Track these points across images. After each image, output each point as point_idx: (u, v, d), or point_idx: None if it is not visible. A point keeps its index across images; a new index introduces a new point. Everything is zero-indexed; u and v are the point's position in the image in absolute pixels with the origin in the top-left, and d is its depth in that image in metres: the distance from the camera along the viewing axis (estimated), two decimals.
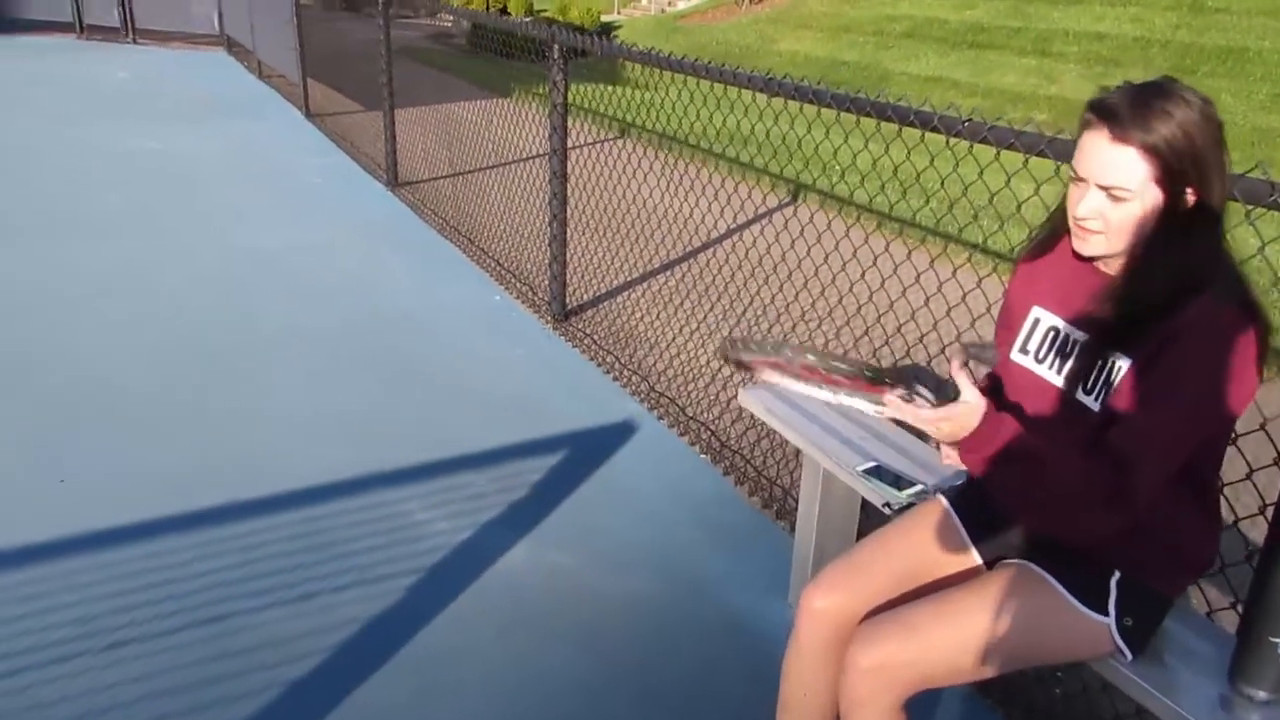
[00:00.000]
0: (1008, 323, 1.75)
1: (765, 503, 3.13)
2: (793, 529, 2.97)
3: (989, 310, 2.34)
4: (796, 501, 3.04)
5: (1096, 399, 1.53)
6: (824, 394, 1.53)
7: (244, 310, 4.47)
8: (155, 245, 5.30)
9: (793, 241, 3.74)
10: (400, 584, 2.64)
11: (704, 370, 4.06)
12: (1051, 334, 1.64)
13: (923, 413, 1.48)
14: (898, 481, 2.12)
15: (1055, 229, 1.66)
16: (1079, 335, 1.59)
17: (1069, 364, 1.59)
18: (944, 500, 1.82)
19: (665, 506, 3.09)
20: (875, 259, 3.40)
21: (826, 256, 3.57)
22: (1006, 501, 1.64)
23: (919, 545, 1.74)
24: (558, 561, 2.78)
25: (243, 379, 3.80)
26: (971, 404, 1.49)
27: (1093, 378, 1.54)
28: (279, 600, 2.55)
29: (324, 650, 2.37)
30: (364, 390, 3.75)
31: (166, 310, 4.42)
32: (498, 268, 5.21)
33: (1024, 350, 1.68)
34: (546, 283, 4.64)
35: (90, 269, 4.89)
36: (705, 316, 4.57)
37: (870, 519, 2.62)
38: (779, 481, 3.21)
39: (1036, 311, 1.67)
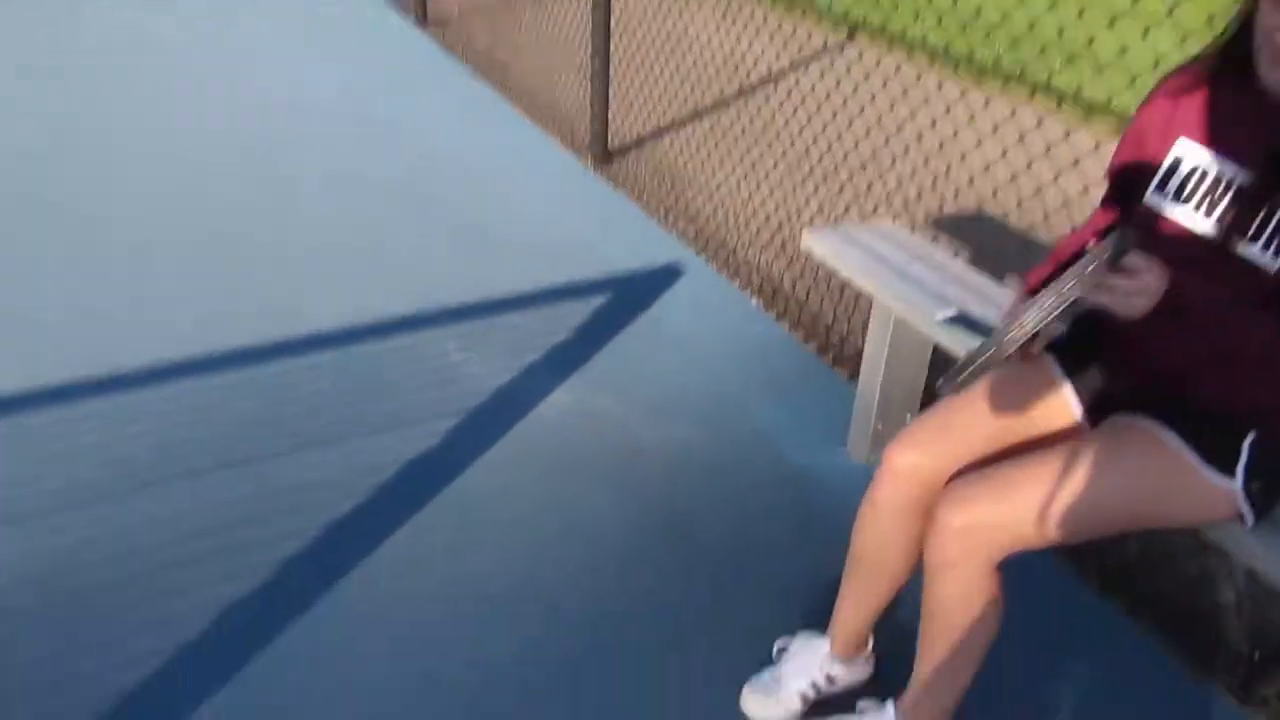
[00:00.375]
0: (1135, 160, 1.51)
1: (821, 348, 2.95)
2: (851, 375, 2.81)
3: (1078, 163, 2.08)
4: (855, 347, 2.86)
5: (1270, 252, 1.31)
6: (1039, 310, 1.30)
7: (271, 153, 4.26)
8: (179, 89, 5.05)
9: (856, 86, 3.42)
10: (438, 427, 2.52)
11: (756, 213, 3.82)
12: (1200, 174, 1.40)
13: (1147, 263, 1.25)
14: (984, 332, 1.92)
15: (1211, 58, 1.41)
16: (1242, 177, 1.35)
17: (1222, 208, 1.36)
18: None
19: (715, 352, 2.92)
20: (949, 107, 3.09)
21: (893, 105, 3.27)
22: (1174, 370, 1.43)
23: (1014, 401, 1.55)
24: (601, 406, 2.64)
25: (273, 222, 3.62)
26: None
27: (1258, 225, 1.32)
28: (313, 441, 2.44)
29: (360, 493, 2.27)
30: (399, 232, 3.57)
31: (193, 153, 4.22)
32: (535, 107, 4.92)
33: (1162, 191, 1.44)
34: (587, 122, 4.36)
35: (117, 111, 4.67)
36: (761, 156, 4.29)
37: (938, 371, 2.44)
38: (836, 327, 3.02)
39: (1182, 146, 1.43)
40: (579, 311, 3.10)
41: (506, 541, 2.16)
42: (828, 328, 3.01)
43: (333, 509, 2.22)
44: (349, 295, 3.09)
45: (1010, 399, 1.55)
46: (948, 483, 1.51)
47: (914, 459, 1.53)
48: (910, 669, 1.61)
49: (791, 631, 1.88)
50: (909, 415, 2.38)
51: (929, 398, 2.46)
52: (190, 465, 2.33)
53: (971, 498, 1.40)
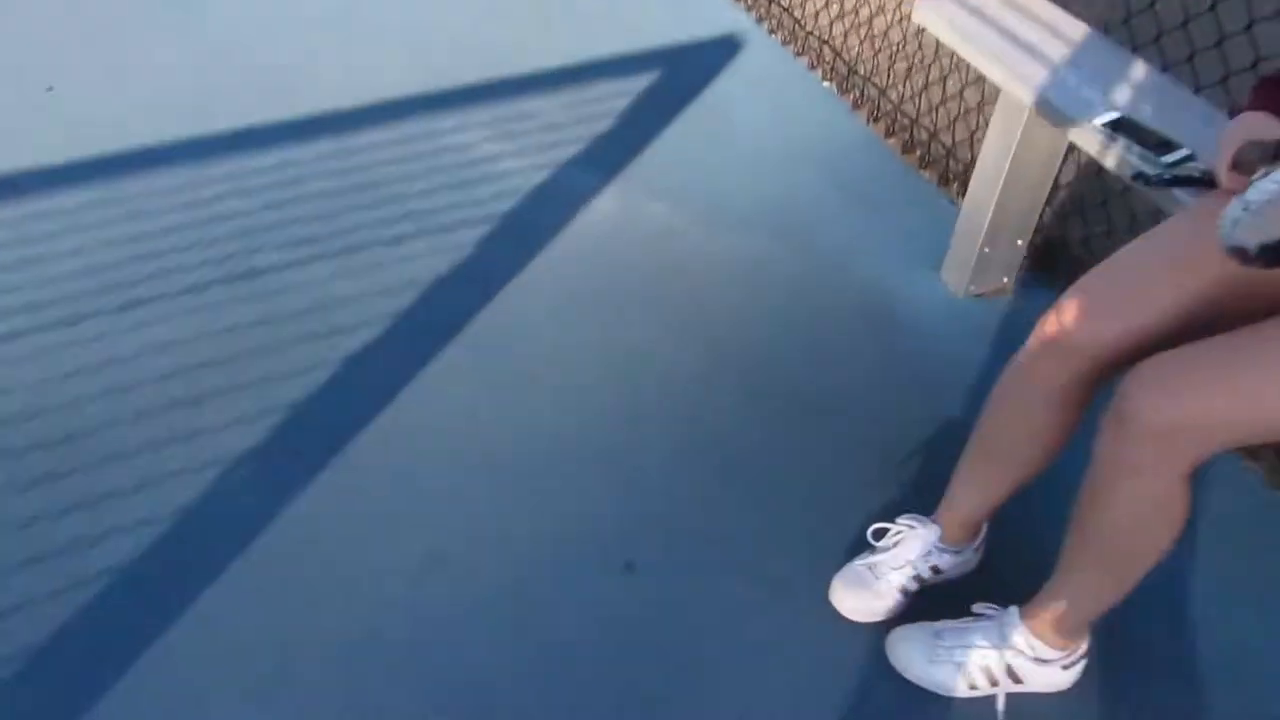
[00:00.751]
0: None
1: (905, 146, 2.54)
2: (941, 180, 2.43)
3: None
4: (946, 147, 2.46)
5: None
6: None
7: None
8: None
9: None
10: (466, 237, 2.18)
11: None
12: None
13: None
14: (1157, 144, 1.53)
15: None
16: None
17: None
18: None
19: (780, 147, 2.52)
20: None
21: None
22: None
23: (1218, 256, 1.19)
24: (653, 213, 2.28)
25: None
26: None
27: None
28: (323, 253, 2.11)
29: (381, 318, 1.97)
30: None
31: None
32: None
33: None
34: None
35: None
36: None
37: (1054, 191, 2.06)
38: (923, 120, 2.59)
39: None
40: (622, 94, 2.66)
41: (547, 381, 1.88)
42: (913, 121, 2.58)
43: (354, 336, 1.92)
44: (358, 72, 2.65)
45: (1214, 254, 1.20)
46: (1142, 364, 1.19)
47: (1089, 329, 1.20)
48: (1028, 560, 1.37)
49: (878, 498, 1.64)
50: (1021, 240, 2.02)
51: (1043, 218, 2.09)
52: (184, 281, 2.02)
53: (1179, 388, 1.08)
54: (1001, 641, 1.37)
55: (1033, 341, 1.26)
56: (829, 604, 1.51)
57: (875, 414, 1.85)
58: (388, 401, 1.81)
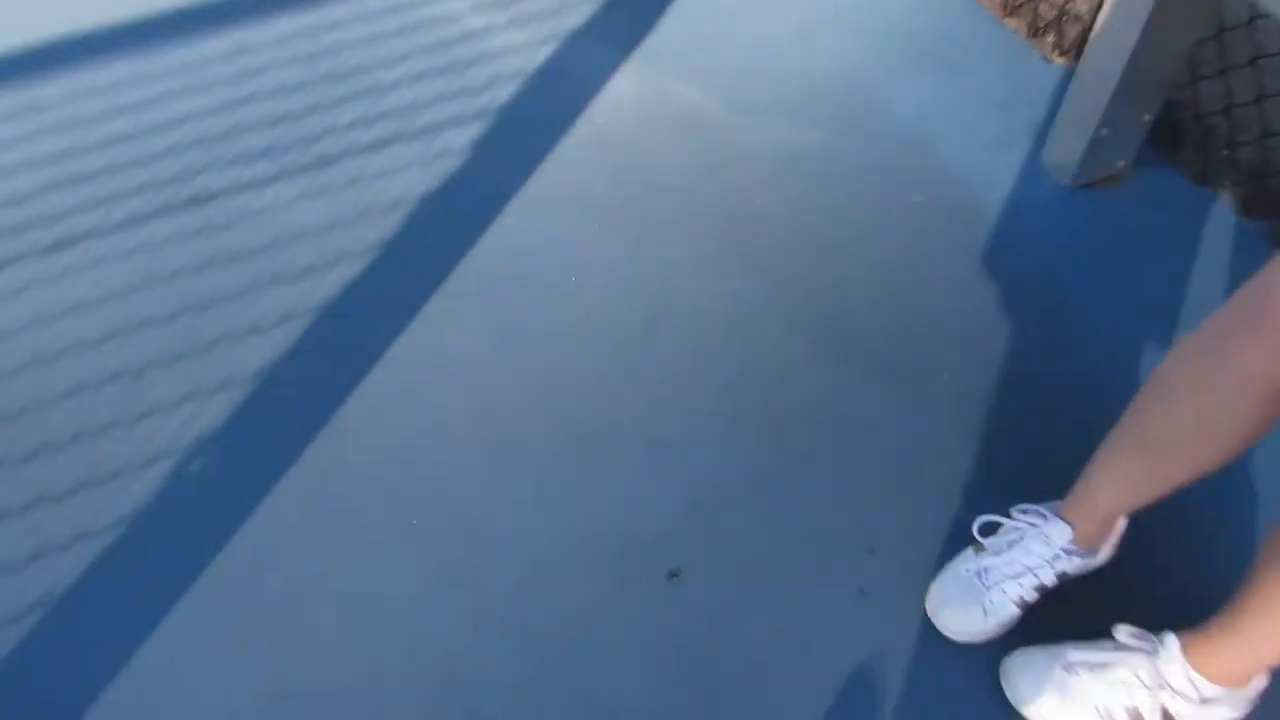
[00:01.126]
0: None
1: None
2: (1032, 32, 1.99)
3: None
4: None
5: None
6: None
7: None
8: None
9: None
10: (458, 138, 1.80)
11: None
12: None
13: None
14: None
15: None
16: None
17: None
18: None
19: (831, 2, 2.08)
20: None
21: None
22: None
23: None
24: (681, 95, 1.89)
25: None
26: None
27: None
28: (286, 169, 1.75)
29: (362, 252, 1.63)
30: None
31: None
32: None
33: None
34: None
35: None
36: None
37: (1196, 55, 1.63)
38: None
39: None
40: None
41: (563, 329, 1.54)
42: None
43: (329, 279, 1.59)
44: None
45: None
46: None
47: None
48: (1172, 556, 1.10)
49: (983, 478, 1.33)
50: (1147, 115, 1.61)
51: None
52: (121, 211, 1.67)
53: None
54: (1156, 680, 1.07)
55: (1232, 315, 0.91)
56: (925, 619, 1.22)
57: (970, 356, 1.51)
58: (374, 365, 1.49)
